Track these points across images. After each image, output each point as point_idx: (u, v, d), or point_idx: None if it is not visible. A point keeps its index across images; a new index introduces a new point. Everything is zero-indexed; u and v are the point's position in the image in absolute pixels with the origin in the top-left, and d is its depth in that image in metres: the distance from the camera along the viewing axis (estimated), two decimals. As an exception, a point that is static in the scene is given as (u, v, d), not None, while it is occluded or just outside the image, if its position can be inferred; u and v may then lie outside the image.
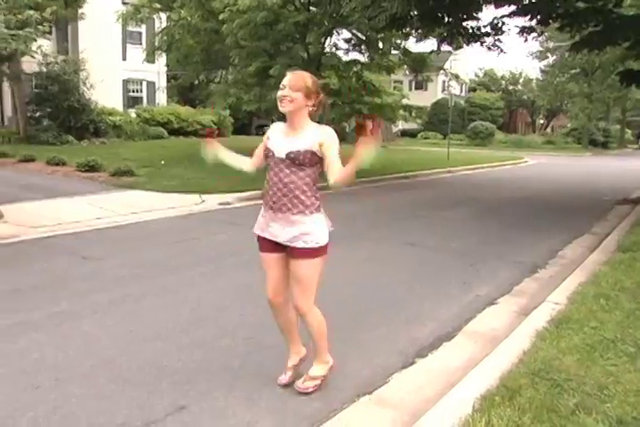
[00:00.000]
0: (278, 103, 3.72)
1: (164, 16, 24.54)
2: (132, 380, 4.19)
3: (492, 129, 48.41)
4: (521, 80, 73.24)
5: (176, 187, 13.76)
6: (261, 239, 3.99)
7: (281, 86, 3.71)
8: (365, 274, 7.31)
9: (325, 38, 19.55)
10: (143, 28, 31.17)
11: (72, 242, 8.69)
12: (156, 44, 23.74)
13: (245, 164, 4.14)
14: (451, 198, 15.05)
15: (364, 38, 20.35)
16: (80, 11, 24.69)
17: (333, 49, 20.94)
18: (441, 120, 49.13)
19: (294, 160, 3.69)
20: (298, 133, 3.76)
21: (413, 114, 24.57)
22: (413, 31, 17.06)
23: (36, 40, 11.59)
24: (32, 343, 4.83)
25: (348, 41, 20.94)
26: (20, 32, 9.33)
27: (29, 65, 24.19)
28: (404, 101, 26.04)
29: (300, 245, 3.76)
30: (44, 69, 25.18)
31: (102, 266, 7.33)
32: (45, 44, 24.31)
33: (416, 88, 54.15)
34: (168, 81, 34.33)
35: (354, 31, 20.13)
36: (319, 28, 17.98)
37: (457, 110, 48.87)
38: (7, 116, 27.22)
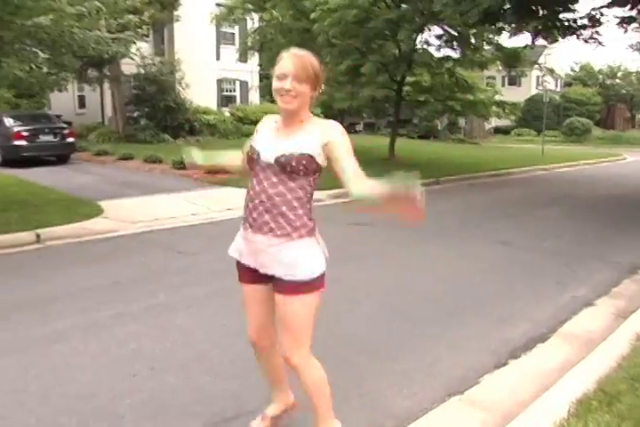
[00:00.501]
0: (277, 98, 2.81)
1: (256, 16, 24.91)
2: (224, 373, 4.30)
3: (588, 125, 46.91)
4: (619, 74, 70.74)
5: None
6: (240, 266, 3.13)
7: (279, 74, 2.77)
8: (457, 272, 7.24)
9: (417, 35, 19.41)
10: (236, 29, 31.76)
11: (168, 237, 8.97)
12: (249, 43, 24.12)
13: (238, 160, 3.24)
14: (544, 196, 14.70)
15: (455, 34, 20.08)
16: (175, 13, 25.39)
17: (425, 46, 20.75)
18: (535, 116, 47.92)
19: (284, 167, 2.79)
20: (294, 131, 2.86)
21: (507, 110, 24.08)
22: (506, 26, 16.75)
23: (135, 43, 12.02)
24: (130, 334, 5.02)
25: (439, 37, 20.71)
26: (121, 35, 9.69)
27: (128, 67, 25.02)
28: (497, 98, 25.55)
29: (285, 277, 2.88)
30: (142, 71, 25.99)
31: (197, 261, 7.54)
32: (143, 47, 25.10)
33: (509, 84, 53.01)
34: (260, 80, 34.79)
35: (445, 27, 19.89)
36: (410, 25, 17.86)
37: (552, 106, 47.61)
38: (107, 116, 28.25)
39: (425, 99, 22.21)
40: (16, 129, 18.10)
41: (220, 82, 32.77)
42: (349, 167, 2.79)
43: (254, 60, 30.50)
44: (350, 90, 20.41)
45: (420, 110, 25.52)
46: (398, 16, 17.78)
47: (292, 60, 2.76)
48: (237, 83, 34.15)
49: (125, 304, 5.79)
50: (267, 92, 38.53)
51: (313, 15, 17.57)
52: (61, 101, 28.20)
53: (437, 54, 20.93)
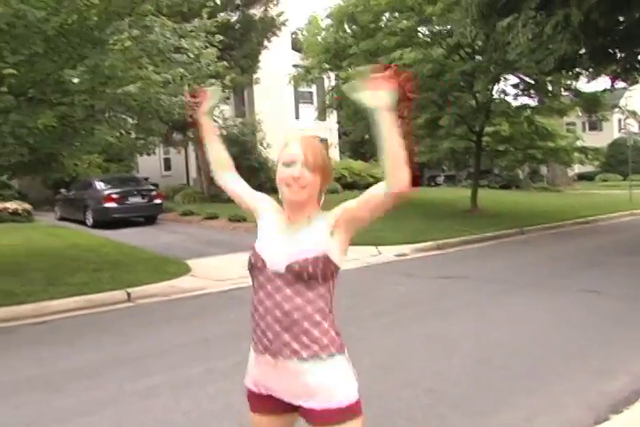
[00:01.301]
0: (283, 188, 2.37)
1: (332, 75, 25.45)
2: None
3: (679, 167, 45.49)
4: None
5: (352, 239, 13.95)
6: (253, 395, 2.52)
7: (286, 161, 2.36)
8: (547, 323, 7.06)
9: (493, 85, 19.44)
10: (314, 88, 32.50)
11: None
12: (327, 102, 24.60)
13: (222, 165, 2.96)
14: (633, 243, 14.24)
15: (532, 82, 20.02)
16: (255, 76, 26.20)
17: (502, 95, 20.74)
18: (620, 161, 46.79)
19: (300, 275, 2.29)
20: (301, 229, 2.40)
21: (590, 156, 23.66)
22: (584, 71, 16.60)
23: (219, 106, 12.44)
24: (220, 390, 5.07)
25: (515, 86, 20.67)
26: (204, 100, 10.11)
27: (211, 129, 25.82)
28: (579, 143, 25.17)
29: (317, 404, 2.32)
30: (224, 132, 26.77)
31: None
32: (225, 109, 25.90)
33: (590, 129, 52.10)
34: (339, 137, 35.30)
35: (521, 76, 19.87)
36: (486, 76, 17.93)
37: (637, 149, 46.51)
38: (192, 177, 29.10)
39: (505, 148, 22.08)
40: (106, 192, 18.88)
41: (300, 140, 33.35)
42: (367, 193, 2.35)
43: (333, 117, 31.06)
44: (429, 143, 20.48)
45: (500, 160, 25.33)
46: (473, 67, 17.88)
47: (301, 145, 2.37)
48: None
49: (215, 361, 5.87)
50: (346, 149, 39.10)
51: (389, 71, 17.81)
52: (148, 164, 29.27)
53: (515, 103, 20.88)
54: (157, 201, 19.85)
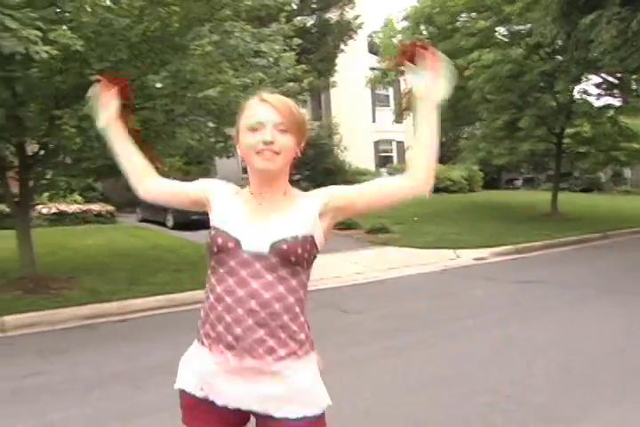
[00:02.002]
0: (251, 157, 2.01)
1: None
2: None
3: None
4: None
5: (430, 243, 13.90)
6: (193, 404, 2.07)
7: (252, 124, 1.97)
8: (631, 331, 6.85)
9: (574, 85, 18.99)
10: (390, 91, 32.44)
11: (333, 296, 9.11)
12: (404, 104, 24.48)
13: (141, 173, 2.33)
14: None
15: (616, 82, 19.47)
16: (331, 79, 26.33)
17: (583, 95, 20.24)
18: None
19: (287, 257, 1.93)
20: (280, 206, 2.04)
21: (678, 158, 22.82)
22: (672, 69, 16.04)
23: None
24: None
25: (598, 86, 20.15)
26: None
27: (288, 133, 26.07)
28: (667, 145, 24.28)
29: (292, 413, 1.98)
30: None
31: (362, 319, 7.60)
32: (303, 112, 26.14)
33: (679, 130, 50.27)
34: (416, 139, 35.11)
35: (604, 75, 19.35)
36: (567, 76, 17.53)
37: None
38: (270, 180, 29.40)
39: (586, 150, 21.49)
40: (187, 195, 19.22)
41: (376, 143, 33.36)
42: (377, 181, 2.13)
43: (409, 120, 30.91)
44: (508, 145, 20.14)
45: (581, 162, 24.68)
46: (553, 67, 17.52)
47: (270, 104, 1.99)
48: (394, 143, 34.64)
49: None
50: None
51: (467, 72, 17.65)
52: (227, 167, 29.67)
53: (597, 103, 20.34)
54: (236, 204, 20.09)
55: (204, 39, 8.60)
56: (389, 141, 34.45)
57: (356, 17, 26.09)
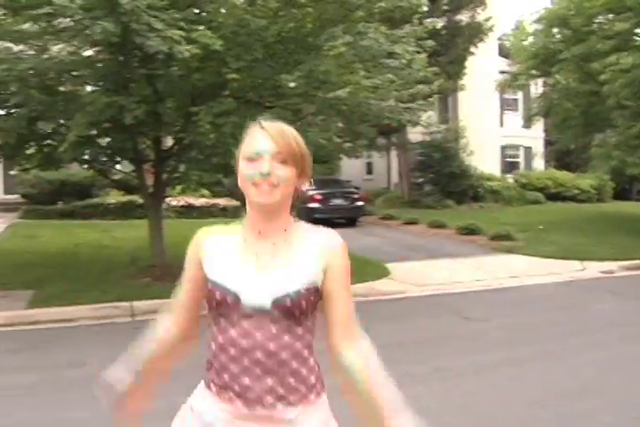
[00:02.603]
0: (248, 190, 1.85)
1: (539, 81, 24.68)
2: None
3: None
4: None
5: (554, 252, 13.46)
6: None
7: (250, 155, 1.82)
8: None
9: None
10: (519, 95, 31.69)
11: (453, 302, 8.99)
12: (534, 109, 23.89)
13: (160, 338, 2.05)
14: None
15: None
16: (460, 82, 25.98)
17: None
18: None
19: (291, 311, 1.82)
20: (280, 249, 1.89)
21: None
22: None
23: (426, 111, 12.50)
24: (416, 394, 5.05)
25: None
26: (413, 105, 10.17)
27: (414, 135, 25.94)
28: None
29: None
30: (428, 138, 26.77)
31: (483, 327, 7.46)
32: (429, 115, 25.92)
33: None
34: (545, 146, 34.14)
35: None
36: None
37: None
38: (393, 182, 29.37)
39: None
40: (310, 193, 19.49)
41: (503, 148, 32.64)
42: (342, 310, 1.91)
43: (539, 125, 30.10)
44: (644, 154, 19.23)
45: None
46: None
47: (269, 133, 1.84)
48: (521, 149, 33.80)
49: (410, 365, 5.86)
50: (551, 158, 37.71)
51: (602, 77, 16.97)
52: (351, 167, 29.90)
53: None
54: (359, 204, 20.21)
55: (337, 40, 8.68)
56: (517, 147, 33.62)
57: (488, 19, 25.58)
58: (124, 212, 19.21)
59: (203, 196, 21.85)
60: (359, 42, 9.08)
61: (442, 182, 26.16)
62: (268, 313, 1.79)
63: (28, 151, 10.10)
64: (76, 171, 19.89)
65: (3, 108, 9.37)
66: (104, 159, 10.06)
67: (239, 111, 8.51)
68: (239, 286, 1.82)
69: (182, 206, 20.21)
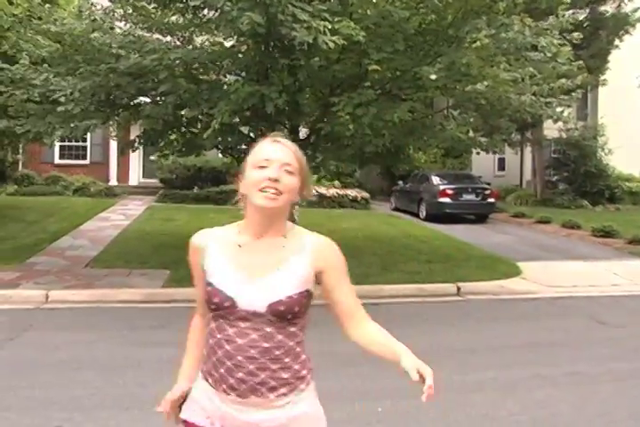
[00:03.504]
0: (253, 195, 1.97)
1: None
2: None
3: None
4: None
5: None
6: None
7: (259, 161, 1.98)
8: None
9: None
10: (669, 92, 30.04)
11: (588, 305, 8.67)
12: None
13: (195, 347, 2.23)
14: None
15: None
16: (602, 77, 24.90)
17: None
18: None
19: (284, 315, 1.96)
20: (276, 254, 2.02)
21: None
22: None
23: (570, 106, 12.13)
24: (549, 397, 4.94)
25: None
26: (554, 99, 9.88)
27: (550, 131, 25.12)
28: None
29: None
30: (564, 135, 25.87)
31: (620, 334, 7.17)
32: (568, 111, 25.03)
33: None
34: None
35: None
36: None
37: None
38: (526, 179, 28.59)
39: None
40: (442, 187, 19.35)
41: (646, 148, 31.07)
42: (350, 300, 2.08)
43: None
44: None
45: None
46: None
47: (279, 146, 2.02)
48: (666, 149, 32.07)
49: (543, 367, 5.74)
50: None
51: None
52: (482, 163, 29.34)
53: None
54: (491, 200, 19.80)
55: (480, 32, 8.52)
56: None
57: (635, 10, 24.29)
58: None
59: (333, 186, 22.09)
60: (501, 34, 8.89)
61: (577, 181, 25.21)
62: (263, 316, 1.93)
63: (172, 137, 10.54)
64: (211, 157, 20.62)
65: (149, 97, 9.84)
66: (244, 147, 10.32)
67: (377, 103, 8.53)
68: (236, 291, 1.96)
69: (313, 196, 20.53)
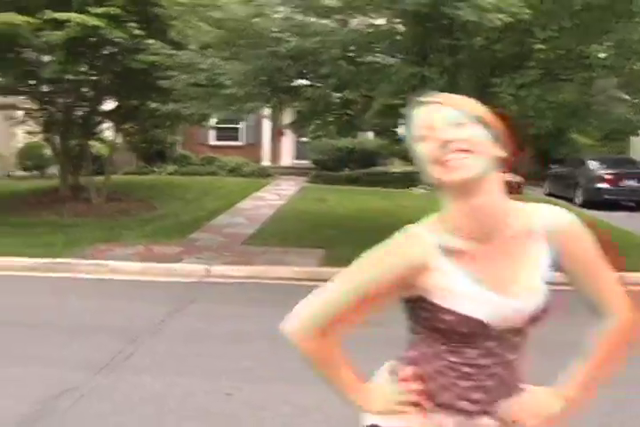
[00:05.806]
0: (435, 169, 1.49)
1: None
2: None
3: None
4: None
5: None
6: None
7: (423, 125, 1.53)
8: None
9: None
10: None
11: None
12: None
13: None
14: None
15: None
16: None
17: None
18: None
19: (536, 320, 1.64)
20: (509, 255, 1.59)
21: None
22: None
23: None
24: None
25: None
26: None
27: None
28: None
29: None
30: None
31: None
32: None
33: None
34: None
35: None
36: None
37: None
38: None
39: None
40: (600, 172, 18.44)
41: None
42: (609, 280, 1.68)
43: None
44: None
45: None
46: None
47: (443, 103, 1.54)
48: None
49: None
50: None
51: None
52: (643, 147, 27.79)
53: None
54: (654, 186, 18.67)
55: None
56: None
57: None
58: (406, 181, 19.66)
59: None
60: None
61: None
62: (518, 330, 1.65)
63: (329, 119, 10.69)
64: (363, 139, 20.74)
65: (308, 79, 9.99)
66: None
67: (540, 83, 8.27)
68: (485, 313, 1.58)
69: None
